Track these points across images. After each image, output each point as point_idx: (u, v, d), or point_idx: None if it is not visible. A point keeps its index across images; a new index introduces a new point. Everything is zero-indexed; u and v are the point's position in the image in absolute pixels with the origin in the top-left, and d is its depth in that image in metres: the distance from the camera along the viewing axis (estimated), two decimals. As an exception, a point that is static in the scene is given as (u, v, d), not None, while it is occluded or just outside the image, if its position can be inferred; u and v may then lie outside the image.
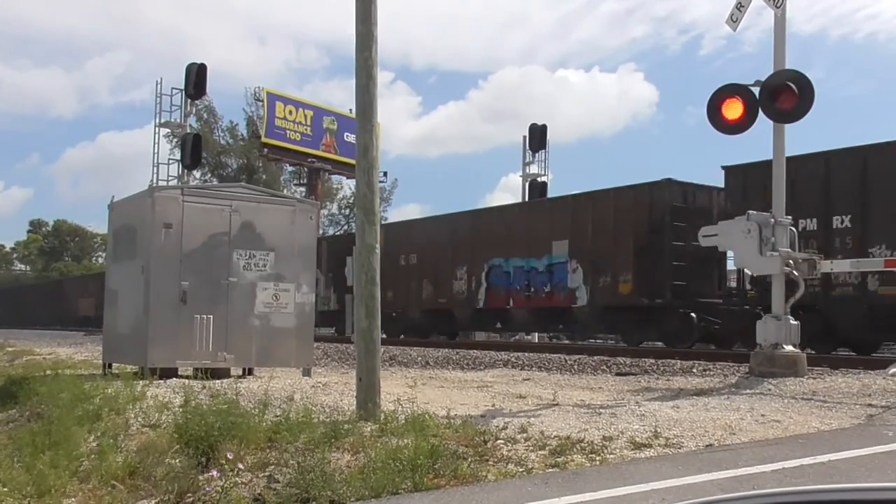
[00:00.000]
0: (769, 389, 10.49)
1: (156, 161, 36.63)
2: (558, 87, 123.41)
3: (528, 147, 38.64)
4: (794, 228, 11.97)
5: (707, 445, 6.80)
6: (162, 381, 10.64)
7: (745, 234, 11.55)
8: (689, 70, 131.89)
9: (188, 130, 36.50)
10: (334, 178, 57.40)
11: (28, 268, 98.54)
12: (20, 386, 10.80)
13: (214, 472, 5.60)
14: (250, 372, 12.64)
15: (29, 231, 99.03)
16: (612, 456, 6.38)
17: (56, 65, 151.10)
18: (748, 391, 10.43)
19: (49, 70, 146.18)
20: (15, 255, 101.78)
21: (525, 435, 7.11)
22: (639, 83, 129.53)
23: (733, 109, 11.35)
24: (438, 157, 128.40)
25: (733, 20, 12.06)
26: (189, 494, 5.51)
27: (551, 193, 37.58)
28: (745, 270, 16.09)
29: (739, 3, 11.94)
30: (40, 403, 9.08)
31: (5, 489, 5.64)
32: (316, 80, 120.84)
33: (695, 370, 13.62)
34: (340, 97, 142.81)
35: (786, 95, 11.11)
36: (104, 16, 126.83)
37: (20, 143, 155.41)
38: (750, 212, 11.79)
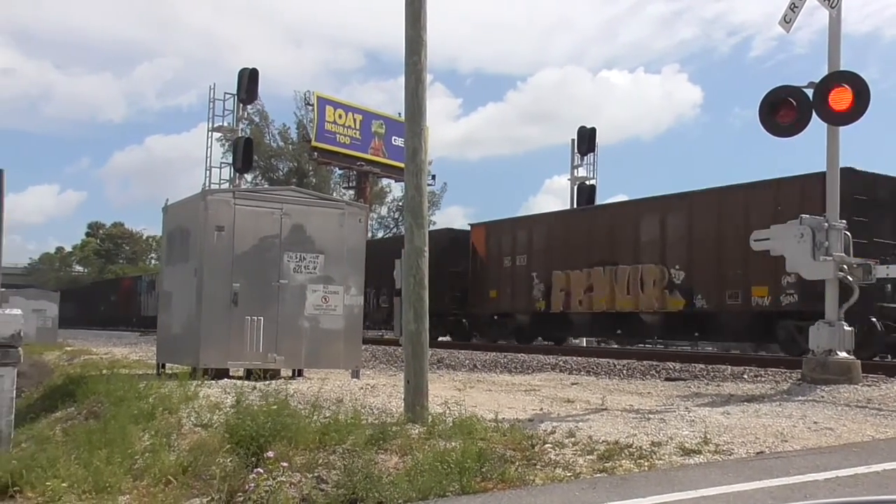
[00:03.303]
0: (822, 396, 10.30)
1: (208, 164, 37.14)
2: (600, 89, 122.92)
3: (576, 150, 38.45)
4: (848, 233, 11.72)
5: (758, 452, 6.70)
6: (214, 382, 10.77)
7: (797, 239, 11.36)
8: (737, 72, 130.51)
9: (240, 134, 36.94)
10: (383, 180, 57.76)
11: (86, 269, 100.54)
12: (78, 385, 11.02)
13: (260, 471, 5.65)
14: (300, 373, 12.73)
15: (87, 233, 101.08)
16: (660, 462, 6.32)
17: (107, 71, 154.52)
18: (800, 398, 10.26)
19: (100, 76, 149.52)
20: (73, 258, 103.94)
21: (573, 439, 7.07)
22: (683, 85, 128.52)
23: (786, 112, 11.17)
24: (479, 159, 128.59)
25: (786, 21, 11.88)
26: (239, 494, 5.57)
27: (599, 197, 37.40)
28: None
29: (793, 3, 11.75)
30: (97, 402, 9.25)
31: (65, 484, 5.77)
32: (353, 82, 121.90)
33: (745, 376, 13.43)
34: (377, 99, 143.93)
35: (840, 97, 10.90)
36: (148, 22, 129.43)
37: (71, 147, 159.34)
38: (803, 216, 11.60)
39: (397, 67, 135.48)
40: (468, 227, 29.31)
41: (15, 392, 7.18)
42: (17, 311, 7.33)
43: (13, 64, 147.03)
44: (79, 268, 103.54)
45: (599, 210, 27.26)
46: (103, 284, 73.25)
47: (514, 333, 26.90)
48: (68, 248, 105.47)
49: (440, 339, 26.96)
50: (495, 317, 27.26)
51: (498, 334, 27.31)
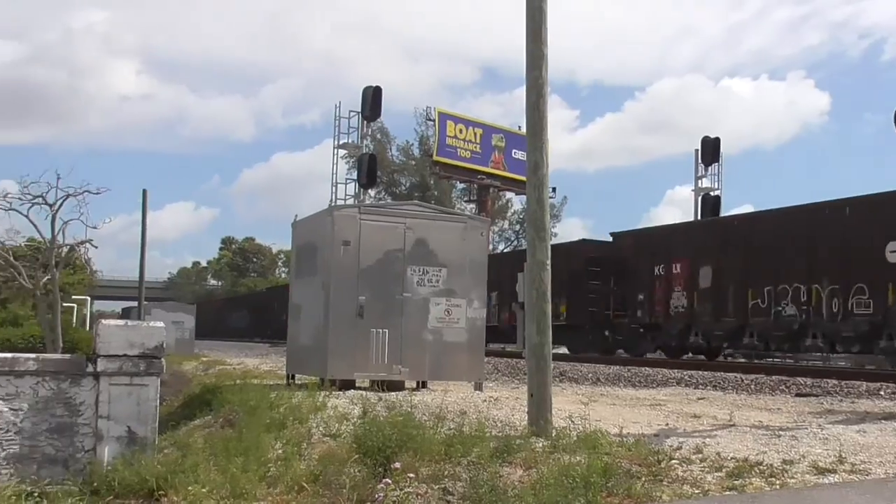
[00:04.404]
0: (968, 415, 9.73)
1: (334, 181, 38.09)
2: (721, 98, 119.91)
3: (699, 160, 37.62)
4: None
5: (897, 473, 6.39)
6: (341, 392, 10.99)
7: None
8: (868, 76, 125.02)
9: (364, 151, 37.73)
10: (504, 194, 57.85)
11: (220, 283, 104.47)
12: (213, 394, 11.45)
13: (388, 482, 5.74)
14: (424, 385, 12.86)
15: (221, 248, 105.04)
16: (792, 480, 6.10)
17: (237, 93, 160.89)
18: (944, 416, 9.71)
19: (230, 98, 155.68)
20: (208, 272, 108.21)
21: (700, 455, 6.90)
22: (809, 91, 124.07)
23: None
24: (597, 170, 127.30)
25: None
26: (367, 503, 5.67)
27: (723, 208, 36.47)
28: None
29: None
30: (232, 411, 9.58)
31: (205, 490, 6.01)
32: (469, 96, 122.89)
33: (882, 392, 12.80)
34: (493, 112, 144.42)
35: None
36: (273, 44, 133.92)
37: (204, 165, 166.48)
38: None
39: (513, 80, 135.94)
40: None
41: (158, 400, 7.51)
42: (160, 324, 7.66)
43: (152, 90, 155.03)
44: (213, 281, 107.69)
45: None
46: (247, 297, 75.33)
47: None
48: (203, 263, 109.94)
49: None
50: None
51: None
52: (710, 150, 37.41)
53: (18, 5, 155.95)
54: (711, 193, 37.30)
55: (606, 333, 27.81)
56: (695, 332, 24.39)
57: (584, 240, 30.88)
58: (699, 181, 37.86)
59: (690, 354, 25.21)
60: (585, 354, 26.42)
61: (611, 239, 28.44)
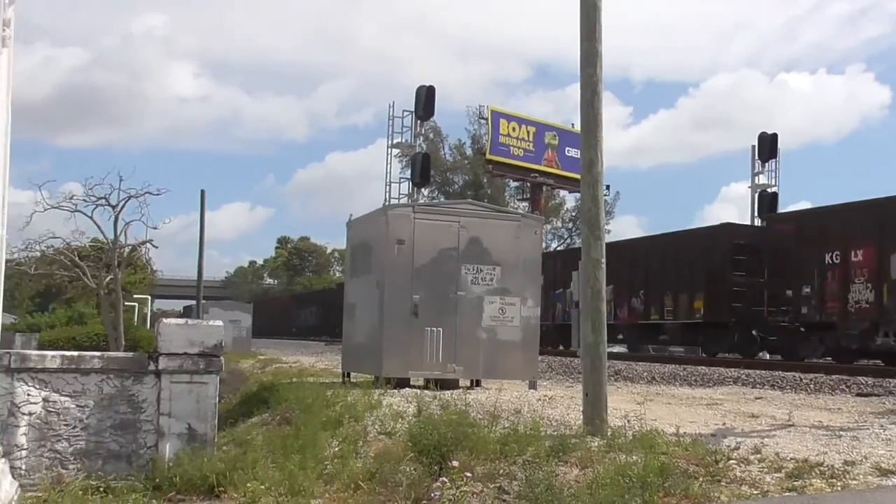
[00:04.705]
0: None
1: (388, 180, 38.31)
2: (777, 92, 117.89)
3: (756, 156, 37.06)
4: None
5: (965, 475, 6.22)
6: (396, 391, 11.03)
7: None
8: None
9: (417, 150, 37.86)
10: (558, 192, 57.59)
11: (276, 281, 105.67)
12: (270, 392, 11.58)
13: (444, 480, 5.75)
14: (478, 383, 12.86)
15: (276, 247, 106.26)
16: (854, 482, 5.99)
17: (291, 93, 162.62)
18: None
19: (284, 98, 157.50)
20: (264, 271, 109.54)
21: (759, 456, 6.80)
22: (869, 85, 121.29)
23: None
24: (651, 167, 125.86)
25: None
26: (424, 501, 5.69)
27: (780, 205, 35.83)
28: None
29: None
30: (288, 409, 9.68)
31: (263, 487, 6.10)
32: (520, 93, 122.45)
33: (949, 392, 12.47)
34: (545, 110, 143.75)
35: None
36: (326, 45, 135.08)
37: (259, 166, 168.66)
38: None
39: (565, 77, 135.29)
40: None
41: (217, 398, 7.63)
42: (219, 323, 7.79)
43: (208, 91, 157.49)
44: (269, 280, 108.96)
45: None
46: (305, 296, 75.26)
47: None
48: (259, 262, 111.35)
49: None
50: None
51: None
52: (767, 146, 36.81)
53: (82, 13, 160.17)
54: (768, 190, 36.70)
55: (754, 333, 24.59)
56: (884, 331, 20.36)
57: (727, 224, 27.45)
58: (756, 178, 37.28)
59: (867, 361, 21.36)
60: (640, 354, 25.97)
61: (761, 223, 26.09)
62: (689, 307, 25.11)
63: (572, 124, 45.88)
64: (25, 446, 6.98)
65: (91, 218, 19.66)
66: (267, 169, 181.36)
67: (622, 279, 26.19)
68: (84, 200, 19.51)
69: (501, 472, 6.35)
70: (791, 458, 6.65)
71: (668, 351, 30.35)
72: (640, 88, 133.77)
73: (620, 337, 29.06)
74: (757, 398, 12.42)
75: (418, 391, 11.10)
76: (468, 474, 5.91)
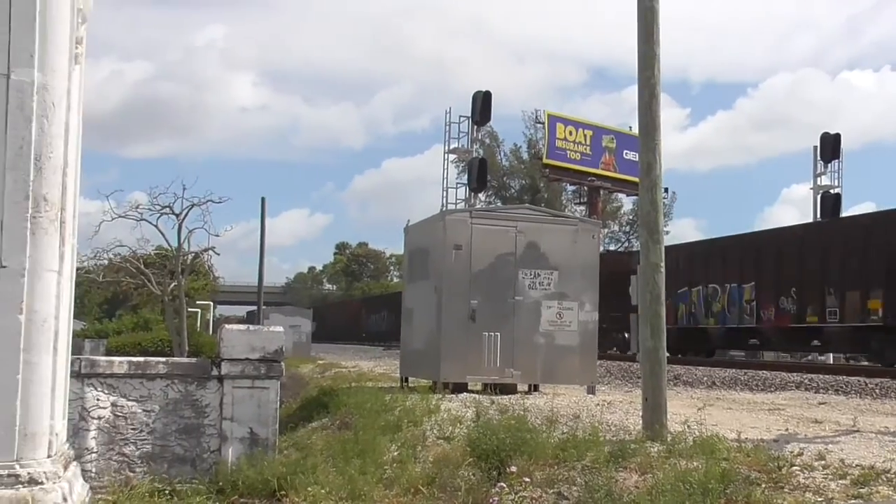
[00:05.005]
0: None
1: (445, 185, 38.41)
2: (840, 91, 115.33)
3: (818, 157, 36.32)
4: None
5: None
6: (454, 395, 11.06)
7: None
8: None
9: (474, 155, 37.90)
10: (617, 196, 57.11)
11: (334, 287, 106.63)
12: (330, 397, 11.69)
13: (503, 485, 5.75)
14: (536, 388, 12.83)
15: (335, 253, 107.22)
16: (923, 490, 5.82)
17: (348, 101, 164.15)
18: None
19: (342, 106, 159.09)
20: (323, 276, 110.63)
21: (823, 462, 6.66)
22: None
23: None
24: (709, 169, 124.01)
25: None
26: (483, 506, 5.70)
27: (843, 207, 34.98)
28: None
29: None
30: (348, 413, 9.76)
31: (324, 491, 6.16)
32: (576, 97, 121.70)
33: None
34: (601, 113, 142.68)
35: None
36: (382, 52, 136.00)
37: (317, 173, 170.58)
38: None
39: (621, 80, 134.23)
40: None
41: (278, 402, 7.73)
42: (280, 329, 7.89)
43: (267, 101, 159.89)
44: (328, 285, 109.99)
45: None
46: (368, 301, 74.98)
47: None
48: (319, 268, 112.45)
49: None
50: None
51: None
52: (830, 147, 36.03)
53: (147, 28, 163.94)
54: (831, 192, 35.93)
55: None
56: None
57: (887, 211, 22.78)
58: (818, 179, 36.55)
59: None
60: (698, 358, 25.21)
61: None
62: (861, 307, 21.02)
63: (630, 127, 45.45)
64: (95, 450, 7.15)
65: (156, 226, 20.14)
66: (325, 176, 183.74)
67: (766, 276, 23.56)
68: (149, 209, 20.01)
69: (560, 477, 6.32)
70: (856, 465, 6.50)
71: (808, 358, 26.67)
72: (698, 90, 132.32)
73: (755, 342, 26.00)
74: (820, 403, 12.18)
75: (476, 396, 11.11)
76: (527, 479, 5.91)
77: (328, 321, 68.32)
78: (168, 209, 19.93)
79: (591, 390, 12.70)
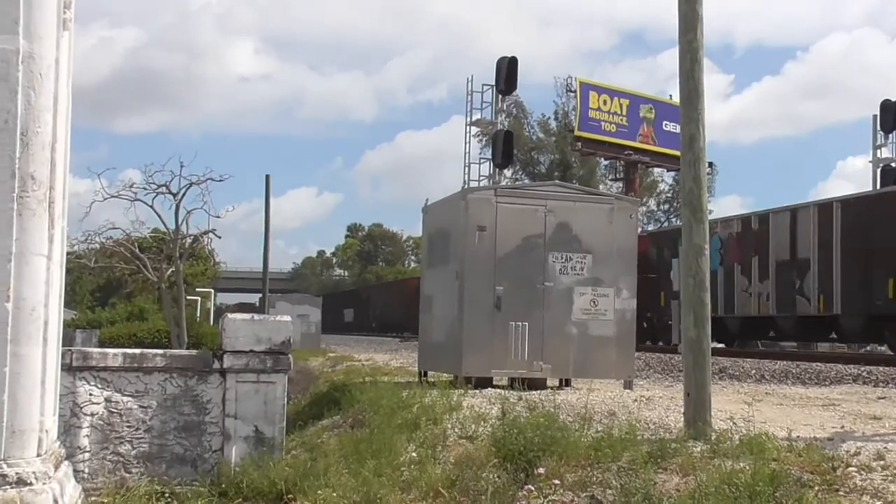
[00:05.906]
0: None
1: (467, 161, 38.25)
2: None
3: (878, 127, 35.98)
4: None
5: None
6: (477, 391, 11.08)
7: None
8: None
9: (499, 127, 37.72)
10: (654, 170, 56.87)
11: (346, 272, 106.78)
12: (342, 392, 11.75)
13: (531, 488, 5.78)
14: (567, 383, 12.81)
15: (347, 235, 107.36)
16: None
17: (358, 69, 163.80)
18: None
19: (352, 74, 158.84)
20: (335, 261, 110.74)
21: (882, 462, 6.64)
22: None
23: None
24: (755, 141, 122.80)
25: None
26: (509, 511, 5.73)
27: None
28: None
29: None
30: (361, 410, 9.82)
31: (335, 494, 6.21)
32: (606, 63, 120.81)
33: None
34: (635, 80, 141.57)
35: None
36: (396, 16, 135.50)
37: (325, 148, 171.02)
38: None
39: (657, 44, 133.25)
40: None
41: (286, 399, 7.80)
42: (287, 318, 7.94)
43: (270, 69, 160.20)
44: (339, 271, 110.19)
45: None
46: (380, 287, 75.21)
47: None
48: (329, 252, 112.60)
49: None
50: None
51: None
52: (892, 115, 35.63)
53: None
54: (893, 164, 35.60)
55: None
56: None
57: None
58: (878, 151, 36.21)
59: None
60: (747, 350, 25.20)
61: None
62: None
63: (670, 95, 45.31)
64: (88, 448, 7.24)
65: (151, 207, 20.24)
66: (334, 151, 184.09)
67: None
68: (144, 188, 20.09)
69: (594, 479, 6.34)
70: (921, 467, 6.48)
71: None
72: (742, 53, 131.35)
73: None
74: (879, 398, 12.11)
75: (502, 391, 11.13)
76: (557, 482, 5.93)
77: (339, 310, 68.42)
78: (164, 188, 20.04)
79: (629, 385, 12.67)
